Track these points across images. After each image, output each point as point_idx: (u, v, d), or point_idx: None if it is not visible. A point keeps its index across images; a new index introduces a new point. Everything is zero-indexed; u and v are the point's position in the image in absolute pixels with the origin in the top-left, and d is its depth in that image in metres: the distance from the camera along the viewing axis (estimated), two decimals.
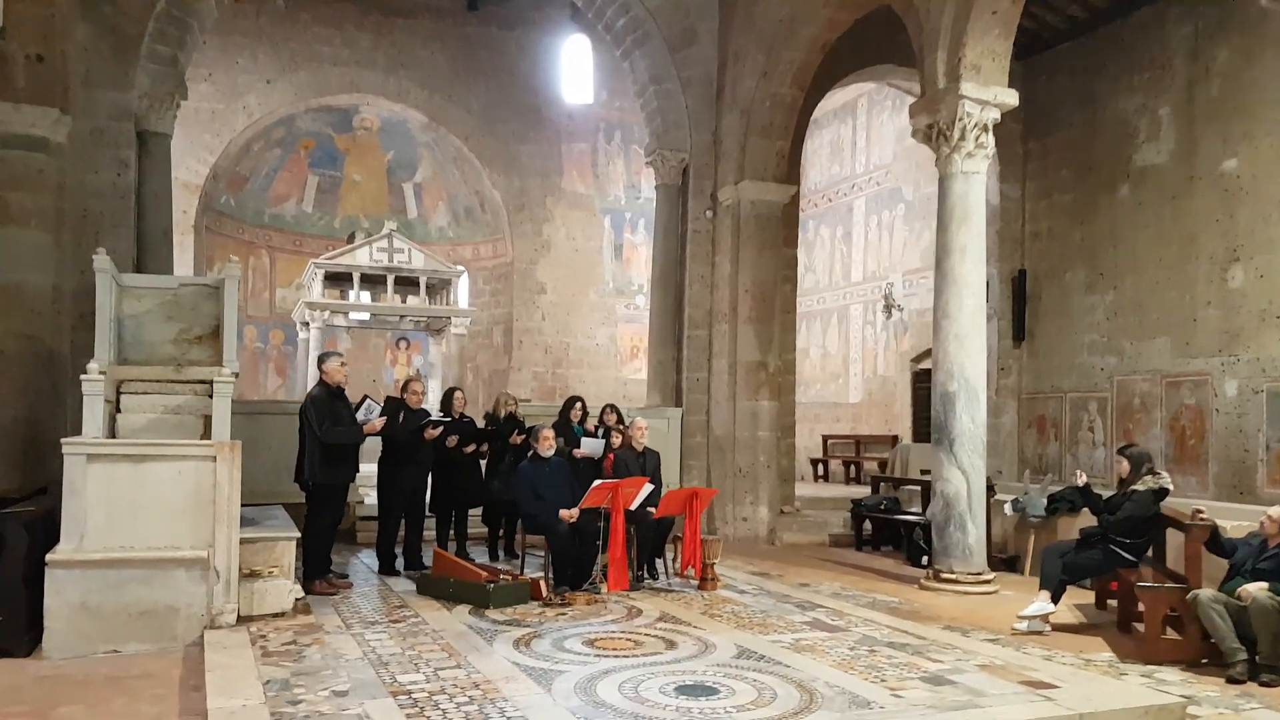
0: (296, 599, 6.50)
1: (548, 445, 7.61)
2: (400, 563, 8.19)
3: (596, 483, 7.10)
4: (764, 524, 11.03)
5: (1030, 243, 13.20)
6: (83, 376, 6.48)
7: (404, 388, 8.35)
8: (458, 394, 8.78)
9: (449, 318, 14.78)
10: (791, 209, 11.82)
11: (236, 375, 7.62)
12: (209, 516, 6.05)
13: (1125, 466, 6.74)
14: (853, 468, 16.00)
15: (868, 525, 10.89)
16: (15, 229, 8.77)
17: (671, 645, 5.63)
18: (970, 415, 8.32)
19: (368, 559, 8.82)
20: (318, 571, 7.25)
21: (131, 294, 8.25)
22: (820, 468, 16.41)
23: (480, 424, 8.94)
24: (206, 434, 7.41)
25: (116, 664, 5.52)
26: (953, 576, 8.12)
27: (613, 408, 9.47)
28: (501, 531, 9.09)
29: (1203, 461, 10.60)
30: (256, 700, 4.44)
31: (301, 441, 7.58)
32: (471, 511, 8.89)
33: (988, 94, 8.40)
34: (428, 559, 8.26)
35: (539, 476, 7.52)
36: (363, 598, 7.09)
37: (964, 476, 8.23)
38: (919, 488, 10.52)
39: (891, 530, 10.85)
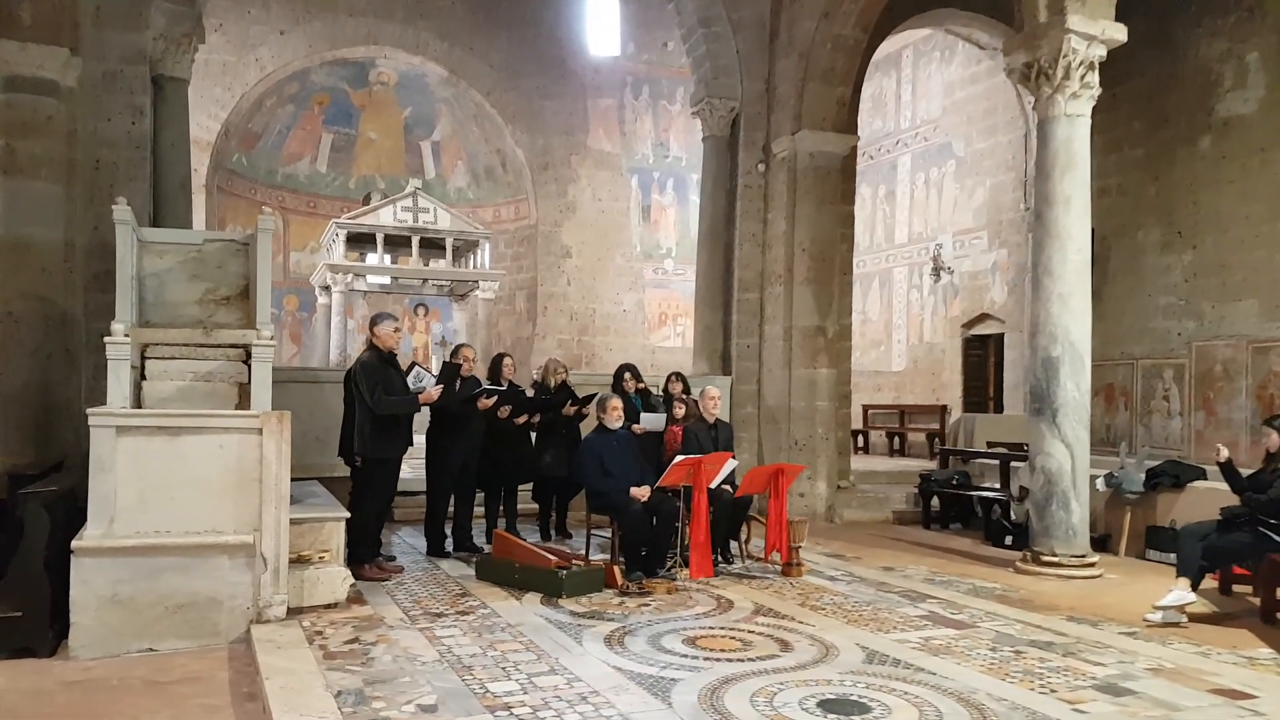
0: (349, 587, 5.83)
1: (616, 416, 6.89)
2: (449, 544, 7.51)
3: (678, 458, 6.40)
4: (822, 500, 10.34)
5: (1097, 200, 12.32)
6: (107, 339, 5.74)
7: (453, 353, 7.62)
8: (507, 360, 8.05)
9: (475, 282, 13.98)
10: (850, 162, 11.02)
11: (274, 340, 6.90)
12: (254, 496, 5.34)
13: (1275, 439, 6.04)
14: (896, 439, 15.33)
15: (934, 501, 10.21)
16: (23, 180, 8.00)
17: (786, 646, 4.95)
18: (1075, 382, 7.61)
19: (410, 538, 8.15)
20: (368, 554, 6.56)
21: (152, 250, 7.51)
22: (860, 439, 15.73)
23: (529, 393, 8.22)
24: (241, 403, 6.71)
25: (154, 665, 4.83)
26: (1054, 559, 7.45)
27: (678, 376, 8.75)
28: (553, 509, 8.42)
29: None
30: (332, 718, 3.76)
31: (348, 412, 6.88)
32: (521, 488, 8.22)
33: (1095, 28, 7.61)
34: (478, 539, 7.62)
35: (606, 450, 6.81)
36: (418, 584, 6.41)
37: (1067, 450, 7.54)
38: (997, 461, 9.81)
39: (962, 507, 10.18)
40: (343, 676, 4.34)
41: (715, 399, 7.38)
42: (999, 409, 14.13)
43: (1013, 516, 9.24)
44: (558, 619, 5.46)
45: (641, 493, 6.59)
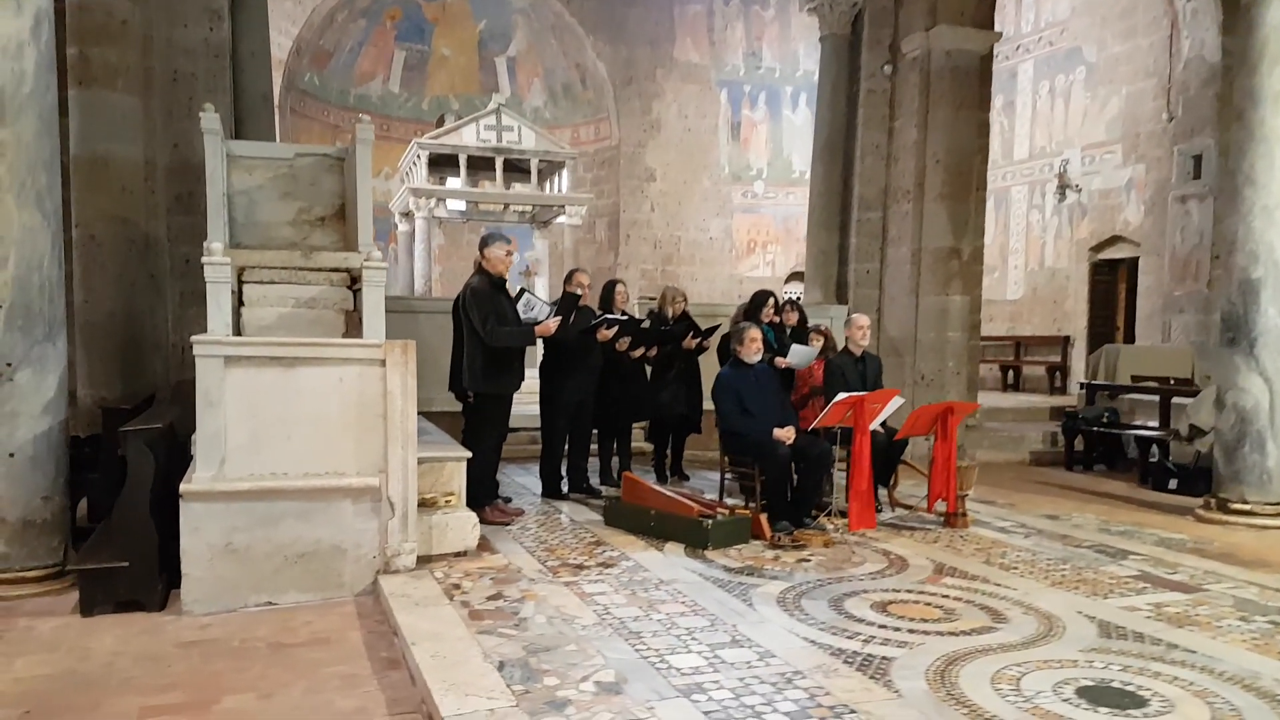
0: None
1: (755, 349, 6.13)
2: (564, 485, 6.91)
3: (840, 396, 5.63)
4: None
5: None
6: (205, 259, 5.14)
7: (568, 279, 6.89)
8: (619, 287, 7.31)
9: (561, 207, 13.20)
10: (988, 62, 9.89)
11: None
12: (378, 434, 4.73)
13: None
14: (1010, 373, 14.36)
15: (1077, 441, 9.33)
16: (99, 90, 7.40)
17: (998, 616, 4.22)
18: (1276, 309, 6.64)
19: (519, 477, 7.57)
20: (486, 496, 5.97)
21: (240, 165, 6.90)
22: None
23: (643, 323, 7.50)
24: (349, 332, 6.12)
25: (276, 622, 4.30)
26: (1245, 507, 6.61)
27: (794, 304, 7.95)
28: (668, 450, 7.75)
29: None
30: (505, 701, 3.15)
31: (458, 343, 6.26)
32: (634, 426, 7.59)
33: None
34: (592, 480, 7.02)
35: (745, 387, 6.07)
36: (543, 529, 5.82)
37: (1265, 385, 6.63)
38: (1155, 398, 8.87)
39: (1108, 447, 9.30)
40: (499, 643, 3.74)
41: (864, 329, 6.57)
42: (1129, 341, 13.05)
43: (1171, 459, 8.37)
44: (712, 575, 4.81)
45: (786, 434, 5.87)
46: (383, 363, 4.75)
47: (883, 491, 6.60)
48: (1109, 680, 3.45)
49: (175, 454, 5.35)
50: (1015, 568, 5.08)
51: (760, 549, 5.39)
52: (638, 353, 7.05)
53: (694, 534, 5.36)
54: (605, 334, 6.59)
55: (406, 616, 4.05)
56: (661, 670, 3.47)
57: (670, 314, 7.50)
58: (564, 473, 6.92)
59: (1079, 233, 13.88)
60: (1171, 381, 10.54)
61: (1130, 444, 9.19)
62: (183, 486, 4.46)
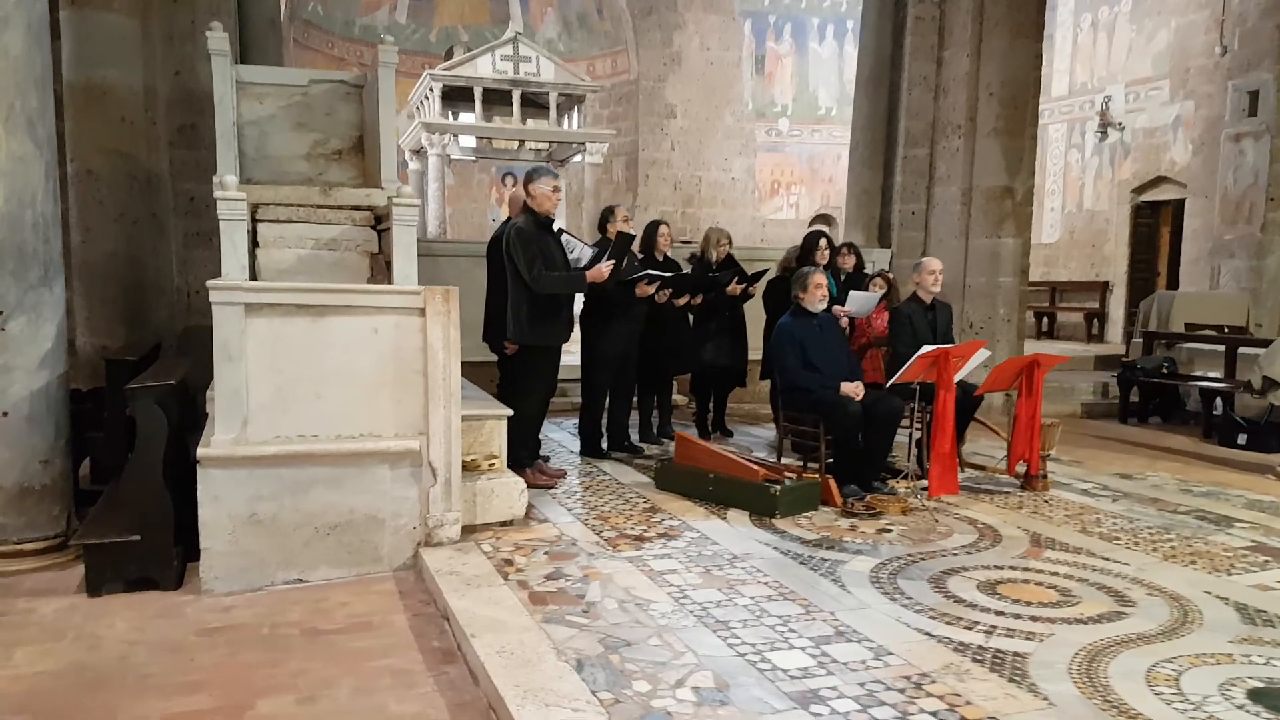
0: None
1: (820, 296, 5.59)
2: (604, 443, 6.42)
3: (924, 349, 5.11)
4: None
5: None
6: (218, 194, 4.57)
7: (607, 217, 6.31)
8: (663, 229, 6.76)
9: (581, 144, 12.51)
10: None
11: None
12: (418, 392, 4.22)
13: None
14: (1045, 320, 13.82)
15: (1133, 392, 8.85)
16: (93, 11, 6.79)
17: (1122, 599, 3.76)
18: None
19: (552, 433, 7.08)
20: (528, 457, 5.49)
21: (250, 93, 6.31)
22: None
23: (685, 270, 6.94)
24: (375, 276, 5.60)
25: (308, 604, 3.84)
26: None
27: (851, 247, 7.39)
28: (710, 405, 7.26)
29: None
30: (593, 713, 2.68)
31: (492, 290, 5.73)
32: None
33: None
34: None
35: (809, 338, 5.55)
36: (591, 493, 5.34)
37: None
38: (1222, 347, 8.35)
39: (1164, 398, 8.82)
40: (570, 634, 3.27)
41: (937, 274, 6.01)
42: (1173, 286, 12.50)
43: (1236, 412, 7.90)
44: (788, 548, 4.34)
45: (856, 390, 5.37)
46: (422, 311, 4.22)
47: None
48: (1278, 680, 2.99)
49: (187, 412, 4.86)
50: (1117, 538, 4.61)
51: (833, 517, 4.92)
52: (681, 301, 6.51)
53: (760, 500, 4.89)
54: (646, 289, 6.04)
55: (459, 600, 3.57)
56: (766, 673, 3.00)
57: (714, 258, 6.94)
58: (604, 429, 6.43)
59: (1120, 173, 13.25)
60: (1226, 330, 10.05)
61: (1190, 396, 8.71)
62: (200, 451, 3.96)
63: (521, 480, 4.68)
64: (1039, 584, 3.92)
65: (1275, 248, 10.80)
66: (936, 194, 9.43)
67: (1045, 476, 5.64)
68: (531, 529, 4.56)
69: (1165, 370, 8.64)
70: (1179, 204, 12.47)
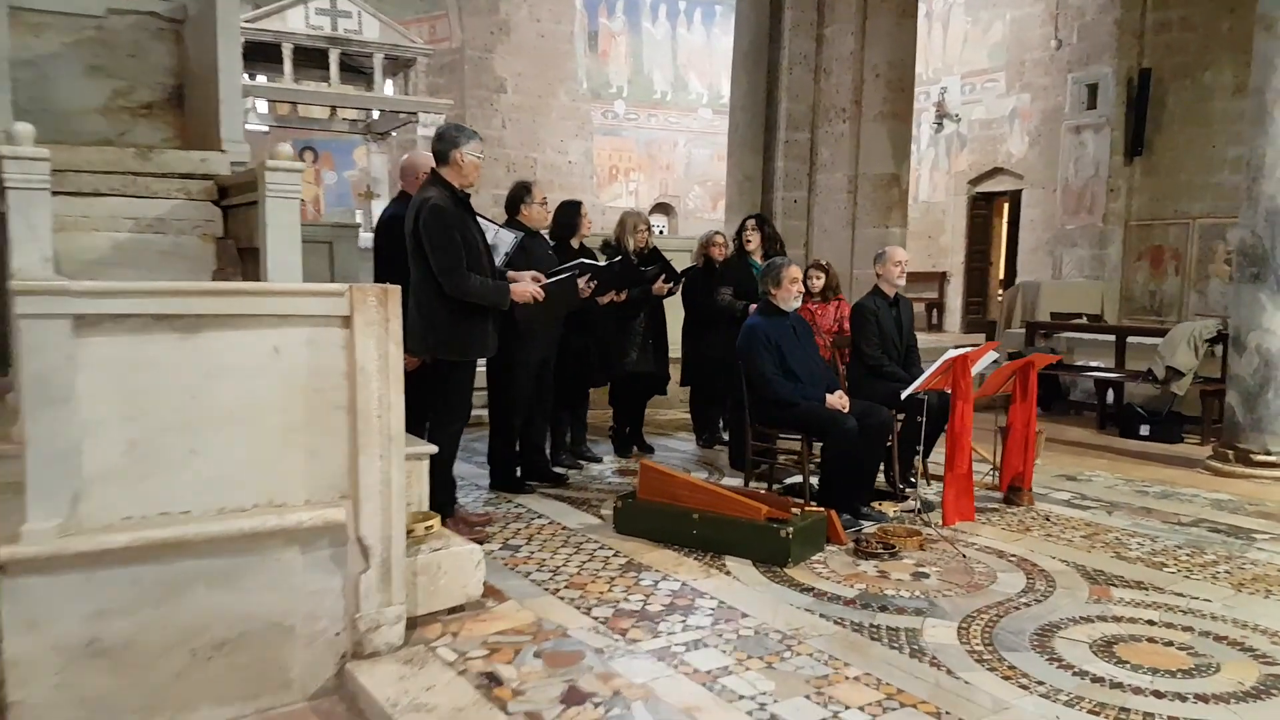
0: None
1: (796, 292, 4.72)
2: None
3: (949, 352, 4.34)
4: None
5: (1154, 34, 10.82)
6: (4, 151, 3.05)
7: (522, 196, 5.13)
8: (585, 210, 5.69)
9: (414, 115, 11.00)
10: None
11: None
12: (341, 438, 2.93)
13: None
14: None
15: None
16: None
17: (1260, 656, 3.12)
18: None
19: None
20: (448, 504, 4.24)
21: (22, 21, 4.73)
22: None
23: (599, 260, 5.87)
24: (222, 269, 4.17)
25: None
26: (1270, 459, 6.01)
27: (759, 219, 6.53)
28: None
29: None
30: None
31: (384, 279, 4.42)
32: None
33: None
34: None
35: (785, 340, 4.67)
36: (537, 546, 4.18)
37: None
38: (1109, 337, 8.26)
39: (1047, 389, 8.69)
40: None
41: (902, 265, 5.28)
42: (1009, 276, 12.76)
43: (1128, 401, 7.85)
44: (835, 613, 3.42)
45: (843, 402, 4.55)
46: (347, 320, 2.92)
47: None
48: None
49: None
50: (1166, 566, 4.05)
51: (847, 559, 4.05)
52: (605, 298, 5.45)
53: (766, 545, 3.94)
54: (580, 286, 4.93)
55: None
56: None
57: (632, 247, 5.90)
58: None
59: (957, 164, 13.40)
60: (1085, 318, 10.20)
61: (1076, 386, 8.65)
62: (2, 551, 2.50)
63: (475, 548, 3.46)
64: (1151, 640, 3.23)
65: (1115, 237, 11.15)
66: (820, 181, 8.86)
67: (1029, 491, 5.06)
68: (495, 615, 3.36)
69: (1059, 362, 8.50)
70: (1015, 195, 12.72)
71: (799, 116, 8.86)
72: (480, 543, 4.04)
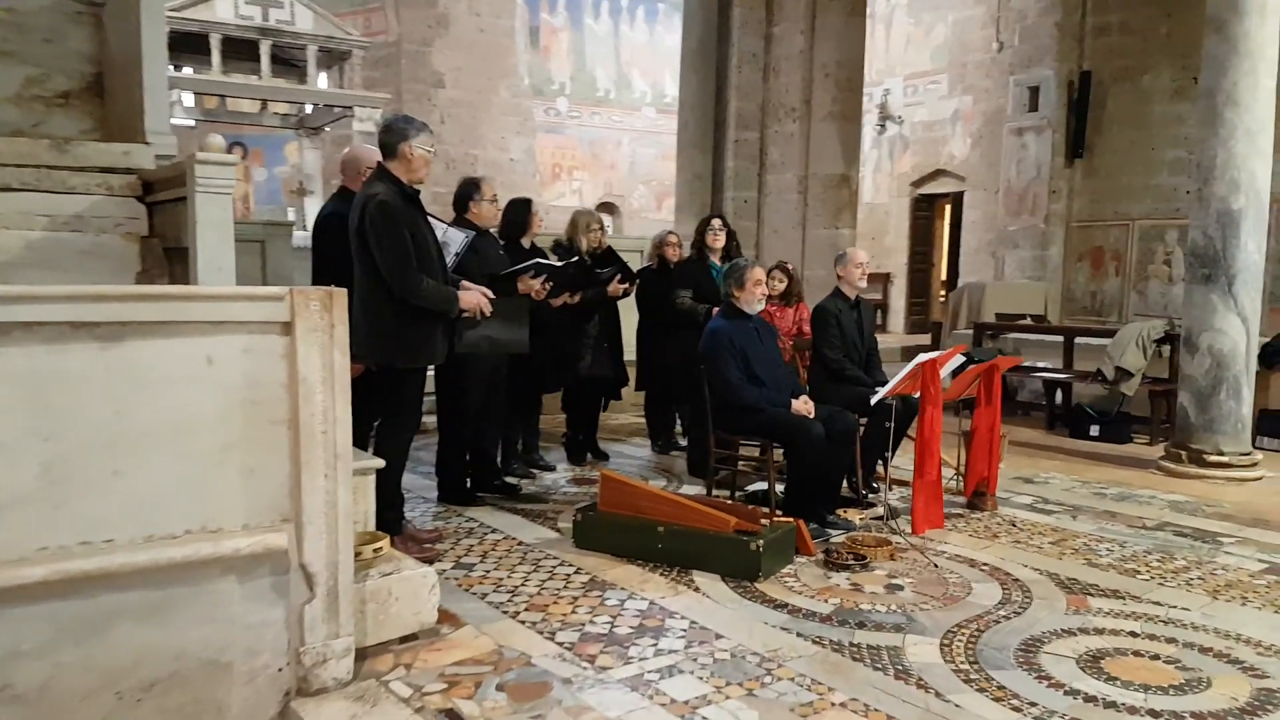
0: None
1: (761, 294, 4.57)
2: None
3: (920, 357, 4.22)
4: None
5: (1094, 38, 10.98)
6: None
7: (467, 193, 4.90)
8: (536, 208, 5.47)
9: (350, 109, 10.61)
10: None
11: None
12: (282, 455, 2.67)
13: None
14: None
15: None
16: None
17: (1248, 668, 3.05)
18: (1256, 243, 6.12)
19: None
20: (395, 520, 3.98)
21: None
22: None
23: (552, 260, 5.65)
24: (147, 270, 3.87)
25: None
26: (1222, 459, 6.04)
27: (715, 216, 6.40)
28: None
29: None
30: None
31: (322, 281, 4.15)
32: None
33: None
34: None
35: (749, 344, 4.51)
36: (492, 563, 3.95)
37: (1243, 326, 6.08)
38: (1055, 337, 8.28)
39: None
40: None
41: (864, 266, 5.16)
42: (952, 278, 12.86)
43: (1075, 401, 7.90)
44: (813, 631, 3.26)
45: (808, 407, 4.42)
46: (287, 327, 2.67)
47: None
48: None
49: None
50: (1139, 573, 3.98)
51: (818, 571, 3.90)
52: (559, 301, 5.23)
53: (736, 559, 3.77)
54: (534, 286, 4.73)
55: None
56: None
57: (585, 246, 5.69)
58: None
59: (900, 166, 13.47)
60: (1029, 319, 10.29)
61: (1024, 386, 8.68)
62: None
63: (429, 571, 3.21)
64: (1137, 654, 3.13)
65: (1057, 239, 11.28)
66: (770, 181, 8.76)
67: (993, 495, 4.98)
68: (451, 643, 3.13)
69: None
70: (957, 196, 12.82)
71: (748, 115, 8.75)
72: (431, 562, 3.82)
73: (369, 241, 3.77)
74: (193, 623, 2.58)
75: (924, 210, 13.38)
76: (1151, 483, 5.89)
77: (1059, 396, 8.06)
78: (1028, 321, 9.53)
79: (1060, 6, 10.96)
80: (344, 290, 2.75)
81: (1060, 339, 8.24)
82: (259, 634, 2.68)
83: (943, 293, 13.48)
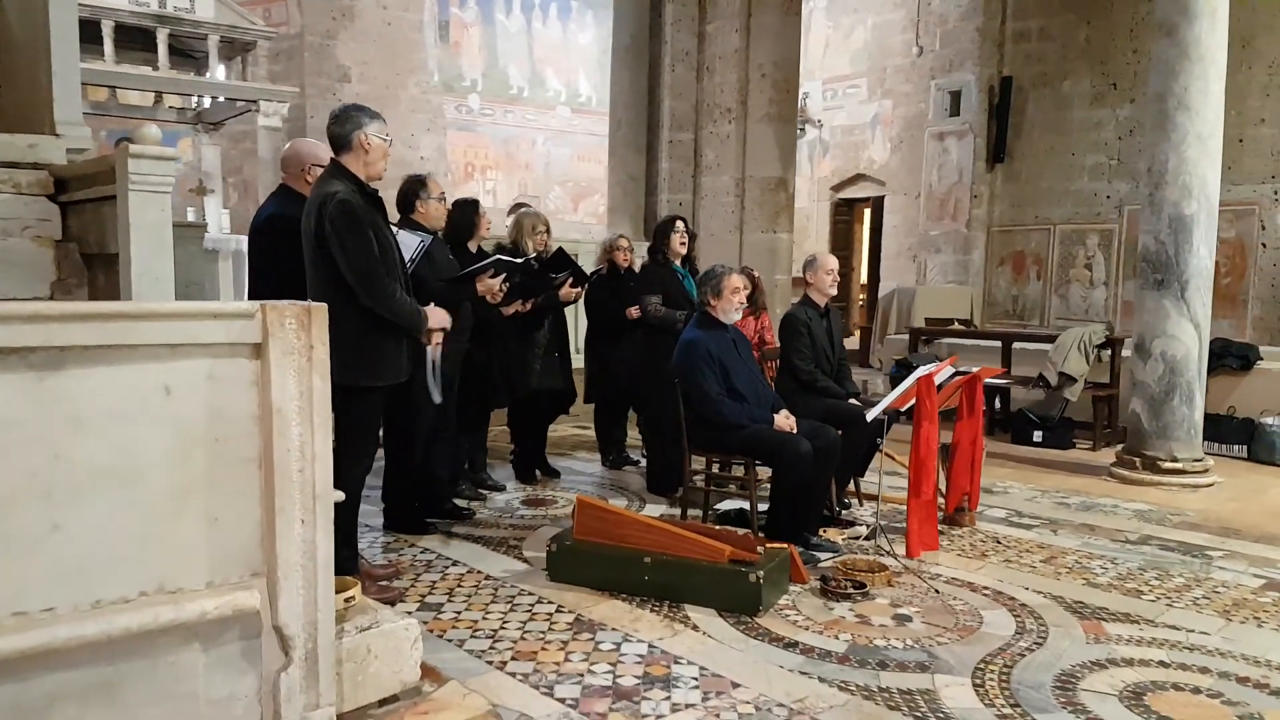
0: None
1: (738, 303, 4.31)
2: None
3: (920, 370, 4.00)
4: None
5: (1015, 44, 11.15)
6: None
7: (414, 191, 4.47)
8: (483, 209, 5.08)
9: (254, 103, 9.88)
10: None
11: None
12: (252, 500, 2.26)
13: None
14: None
15: None
16: None
17: (1239, 708, 2.92)
18: (1208, 248, 6.18)
19: None
20: (351, 556, 3.55)
21: None
22: None
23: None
24: (63, 281, 3.37)
25: None
26: (1176, 465, 6.07)
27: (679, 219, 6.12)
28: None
29: (1240, 303, 9.45)
30: None
31: (261, 291, 3.71)
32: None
33: None
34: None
35: (727, 355, 4.24)
36: (461, 602, 3.56)
37: (1195, 332, 6.13)
38: (997, 343, 8.30)
39: None
40: None
41: (834, 273, 4.95)
42: (873, 281, 12.92)
43: (1017, 407, 7.94)
44: (834, 674, 3.00)
45: (790, 422, 4.17)
46: (258, 350, 2.25)
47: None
48: None
49: None
50: (1143, 593, 3.86)
51: (816, 602, 3.64)
52: (511, 309, 4.86)
53: (734, 591, 3.48)
54: (496, 287, 4.35)
55: None
56: None
57: (531, 249, 5.32)
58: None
59: (820, 170, 13.47)
60: (957, 323, 10.36)
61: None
62: None
63: (414, 623, 2.81)
64: (1178, 687, 2.98)
65: (979, 243, 11.42)
66: (704, 184, 8.54)
67: (971, 511, 4.84)
68: (438, 704, 2.74)
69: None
70: (877, 200, 12.89)
71: (683, 116, 8.51)
72: (393, 604, 3.41)
73: (330, 245, 3.33)
74: (148, 701, 2.14)
75: (844, 215, 13.42)
76: (1108, 490, 5.88)
77: (998, 402, 8.08)
78: (957, 326, 9.56)
79: (981, 12, 11.09)
80: (324, 306, 2.35)
81: (997, 344, 8.26)
82: (226, 710, 2.26)
83: (862, 296, 13.54)
